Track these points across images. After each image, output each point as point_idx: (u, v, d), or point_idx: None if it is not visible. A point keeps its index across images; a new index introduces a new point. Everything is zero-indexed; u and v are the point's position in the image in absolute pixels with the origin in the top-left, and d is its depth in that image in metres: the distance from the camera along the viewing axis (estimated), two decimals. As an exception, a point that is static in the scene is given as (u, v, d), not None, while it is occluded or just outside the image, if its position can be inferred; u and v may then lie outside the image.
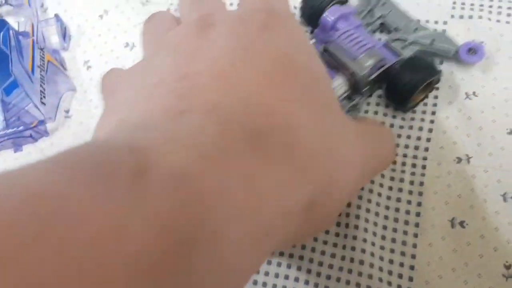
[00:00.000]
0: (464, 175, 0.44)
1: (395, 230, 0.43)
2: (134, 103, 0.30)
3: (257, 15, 0.33)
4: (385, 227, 0.43)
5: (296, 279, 0.43)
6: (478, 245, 0.41)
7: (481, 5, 0.51)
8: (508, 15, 0.50)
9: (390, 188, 0.45)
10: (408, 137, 0.46)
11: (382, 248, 0.42)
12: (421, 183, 0.45)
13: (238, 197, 0.24)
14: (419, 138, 0.46)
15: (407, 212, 0.44)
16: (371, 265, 0.41)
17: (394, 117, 0.47)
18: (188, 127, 0.25)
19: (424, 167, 0.45)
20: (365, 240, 0.42)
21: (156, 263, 0.19)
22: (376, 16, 0.50)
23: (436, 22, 0.51)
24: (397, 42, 0.48)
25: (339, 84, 0.45)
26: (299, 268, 0.43)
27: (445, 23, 0.51)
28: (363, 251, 0.42)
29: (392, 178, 0.45)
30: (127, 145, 0.23)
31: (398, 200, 0.44)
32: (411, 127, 0.47)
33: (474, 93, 0.47)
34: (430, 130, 0.46)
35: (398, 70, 0.45)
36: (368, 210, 0.43)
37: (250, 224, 0.24)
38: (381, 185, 0.45)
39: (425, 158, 0.45)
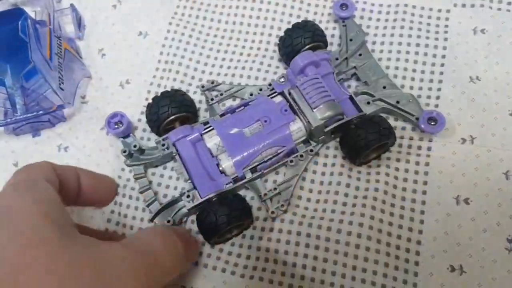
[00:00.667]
0: (468, 154, 0.46)
1: (402, 207, 0.45)
2: None
3: None
4: (393, 205, 0.45)
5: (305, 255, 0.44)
6: (481, 221, 0.43)
7: (483, -6, 0.53)
8: (509, 3, 0.52)
9: (397, 169, 0.47)
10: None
11: (390, 224, 0.44)
12: (427, 163, 0.46)
13: None
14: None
15: (414, 191, 0.46)
16: (378, 241, 0.43)
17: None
18: None
19: (429, 148, 0.47)
20: (372, 218, 0.44)
21: None
22: (350, 65, 0.51)
23: (439, 11, 0.53)
24: (364, 95, 0.49)
25: (297, 129, 0.46)
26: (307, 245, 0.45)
27: (448, 11, 0.53)
28: (371, 227, 0.43)
29: (398, 160, 0.47)
30: None
31: (405, 180, 0.46)
32: (416, 111, 0.48)
33: (477, 77, 0.49)
34: (435, 113, 0.48)
35: (354, 127, 0.45)
36: (376, 189, 0.45)
37: None
38: (388, 166, 0.47)
39: (430, 140, 0.47)
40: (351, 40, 0.52)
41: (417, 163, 0.47)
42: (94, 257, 0.32)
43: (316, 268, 0.43)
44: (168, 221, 0.44)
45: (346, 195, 0.46)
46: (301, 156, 0.47)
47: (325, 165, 0.48)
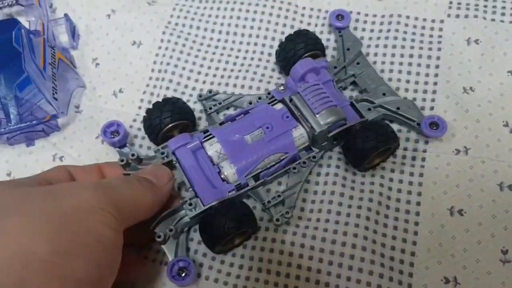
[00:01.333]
0: (463, 165, 0.46)
1: (396, 219, 0.45)
2: None
3: None
4: (387, 216, 0.45)
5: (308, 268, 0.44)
6: (476, 232, 0.43)
7: (476, 5, 0.53)
8: (502, 14, 0.52)
9: (391, 180, 0.47)
10: (409, 131, 0.48)
11: (384, 235, 0.44)
12: (421, 174, 0.46)
13: None
14: (418, 133, 0.48)
15: (408, 202, 0.46)
16: (373, 252, 0.43)
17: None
18: None
19: (423, 159, 0.47)
20: (366, 228, 0.44)
21: None
22: (348, 73, 0.51)
23: (433, 21, 0.53)
24: (364, 103, 0.49)
25: (299, 135, 0.46)
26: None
27: (441, 21, 0.53)
28: (365, 238, 0.43)
29: (392, 170, 0.47)
30: None
31: (399, 191, 0.46)
32: (410, 122, 0.48)
33: (471, 88, 0.49)
34: (429, 124, 0.48)
35: (357, 132, 0.45)
36: (370, 200, 0.45)
37: None
38: (382, 177, 0.47)
39: (424, 151, 0.47)
40: (348, 49, 0.52)
41: (411, 174, 0.47)
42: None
43: (320, 281, 0.43)
44: (170, 230, 0.43)
45: (340, 204, 0.45)
46: (304, 162, 0.46)
47: (318, 174, 0.48)
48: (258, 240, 0.45)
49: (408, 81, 0.50)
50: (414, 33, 0.52)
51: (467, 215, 0.44)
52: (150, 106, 0.48)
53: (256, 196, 0.46)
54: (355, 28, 0.55)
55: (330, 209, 0.45)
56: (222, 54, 0.56)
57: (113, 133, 0.49)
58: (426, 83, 0.50)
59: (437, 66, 0.50)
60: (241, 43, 0.56)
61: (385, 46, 0.52)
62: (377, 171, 0.47)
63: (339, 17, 0.53)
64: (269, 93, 0.49)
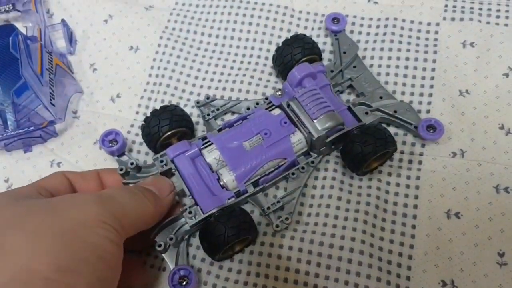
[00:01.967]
0: (459, 168, 0.46)
1: (393, 222, 0.45)
2: None
3: None
4: (384, 220, 0.45)
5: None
6: (473, 235, 0.43)
7: (472, 8, 0.53)
8: (497, 17, 0.52)
9: (388, 183, 0.47)
10: (405, 134, 0.49)
11: (381, 239, 0.44)
12: (418, 177, 0.47)
13: None
14: (415, 135, 0.48)
15: (405, 205, 0.46)
16: (371, 255, 0.43)
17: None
18: None
19: (420, 162, 0.47)
20: (364, 232, 0.44)
21: None
22: (345, 77, 0.51)
23: (428, 24, 0.53)
24: (362, 106, 0.49)
25: (298, 140, 0.47)
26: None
27: (437, 24, 0.53)
28: (363, 242, 0.43)
29: (389, 173, 0.47)
30: None
31: (396, 194, 0.46)
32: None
33: (467, 91, 0.49)
34: (426, 127, 0.48)
35: (355, 137, 0.45)
36: (368, 204, 0.45)
37: None
38: (379, 180, 0.47)
39: (421, 154, 0.47)
40: (344, 52, 0.52)
41: (408, 177, 0.47)
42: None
43: (318, 285, 0.43)
44: (171, 239, 0.43)
45: (337, 208, 0.46)
46: (303, 168, 0.47)
47: (316, 178, 0.48)
48: (256, 245, 0.45)
49: (404, 84, 0.50)
50: (410, 36, 0.53)
51: (464, 218, 0.44)
52: (148, 111, 0.48)
53: (255, 202, 0.46)
54: (352, 32, 0.55)
55: (327, 213, 0.45)
56: (219, 59, 0.56)
57: (112, 142, 0.48)
58: (422, 86, 0.50)
59: (433, 69, 0.51)
60: (238, 47, 0.56)
61: (382, 49, 0.52)
62: (374, 175, 0.47)
63: (335, 20, 0.54)
64: (266, 98, 0.50)
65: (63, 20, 0.58)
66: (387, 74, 0.51)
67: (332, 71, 0.51)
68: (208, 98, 0.52)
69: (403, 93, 0.50)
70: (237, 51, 0.56)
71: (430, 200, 0.45)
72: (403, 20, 0.54)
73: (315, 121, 0.45)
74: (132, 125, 0.53)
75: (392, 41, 0.52)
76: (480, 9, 0.53)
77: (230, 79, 0.54)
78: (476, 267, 0.42)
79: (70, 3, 0.62)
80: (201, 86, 0.55)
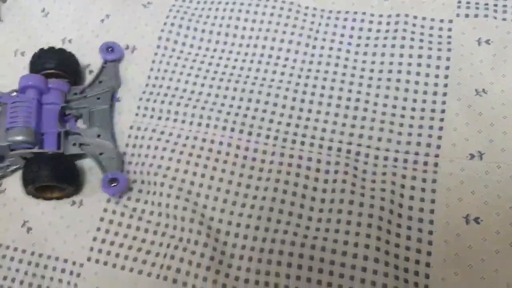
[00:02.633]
0: (477, 171, 0.44)
1: (409, 228, 0.43)
2: None
3: None
4: (399, 225, 0.43)
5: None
6: (493, 241, 0.41)
7: (486, 4, 0.51)
8: (514, 13, 0.51)
9: (403, 186, 0.45)
10: (419, 135, 0.46)
11: (397, 246, 0.42)
12: (434, 180, 0.44)
13: None
14: (430, 136, 0.46)
15: (421, 210, 0.44)
16: (386, 263, 0.41)
17: (402, 116, 0.47)
18: None
19: (436, 164, 0.45)
20: (378, 238, 0.42)
21: None
22: (83, 105, 0.51)
23: (441, 21, 0.51)
24: (76, 136, 0.49)
25: None
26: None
27: (450, 21, 0.51)
28: (378, 249, 0.41)
29: (404, 176, 0.45)
30: None
31: (411, 198, 0.44)
32: (421, 126, 0.46)
33: (483, 90, 0.47)
34: (441, 128, 0.46)
35: (34, 159, 0.46)
36: (382, 208, 0.43)
37: None
38: (393, 183, 0.45)
39: (437, 156, 0.45)
40: (100, 82, 0.52)
41: (424, 180, 0.45)
42: None
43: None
44: None
45: (349, 213, 0.44)
46: None
47: (325, 181, 0.46)
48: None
49: (417, 83, 0.48)
50: (422, 33, 0.51)
51: (484, 223, 0.42)
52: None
53: None
54: (361, 29, 0.52)
55: (339, 219, 0.44)
56: (220, 58, 0.54)
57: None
58: (436, 84, 0.48)
59: (447, 67, 0.49)
60: (240, 45, 0.54)
61: (393, 46, 0.50)
62: (387, 177, 0.45)
63: (110, 49, 0.54)
64: None
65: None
66: (399, 71, 0.49)
67: (75, 94, 0.52)
68: None
69: (416, 91, 0.48)
70: (240, 49, 0.54)
71: (447, 204, 0.43)
72: (415, 17, 0.52)
73: (7, 130, 0.46)
74: (131, 127, 0.51)
75: (404, 38, 0.50)
76: (495, 5, 0.51)
77: (233, 79, 0.52)
78: (498, 274, 0.40)
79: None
80: (203, 85, 0.52)
